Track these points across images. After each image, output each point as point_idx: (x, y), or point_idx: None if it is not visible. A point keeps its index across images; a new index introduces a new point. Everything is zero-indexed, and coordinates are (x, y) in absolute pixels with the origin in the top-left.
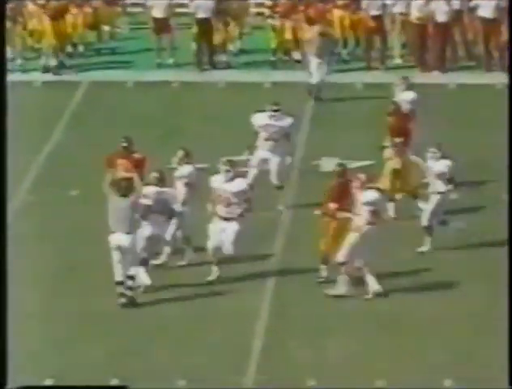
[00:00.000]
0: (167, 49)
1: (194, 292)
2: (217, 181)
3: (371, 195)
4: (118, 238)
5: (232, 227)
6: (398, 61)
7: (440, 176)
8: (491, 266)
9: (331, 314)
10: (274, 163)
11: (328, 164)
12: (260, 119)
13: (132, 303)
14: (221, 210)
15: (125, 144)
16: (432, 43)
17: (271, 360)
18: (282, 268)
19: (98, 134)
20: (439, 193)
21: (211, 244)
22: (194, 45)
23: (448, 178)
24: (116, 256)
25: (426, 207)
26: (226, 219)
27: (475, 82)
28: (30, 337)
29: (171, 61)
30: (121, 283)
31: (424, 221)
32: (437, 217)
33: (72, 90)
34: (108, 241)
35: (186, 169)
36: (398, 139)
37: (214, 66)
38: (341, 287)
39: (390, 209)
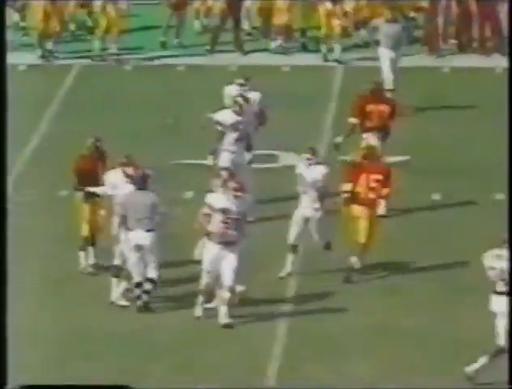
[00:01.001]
0: (177, 27)
1: (206, 311)
2: (217, 200)
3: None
4: (138, 236)
5: (233, 255)
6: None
7: (313, 185)
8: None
9: (351, 333)
10: (245, 168)
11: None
12: (228, 117)
13: (146, 308)
14: (222, 233)
15: (97, 144)
16: (475, 23)
17: (288, 382)
18: (299, 287)
19: (91, 124)
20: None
21: (209, 276)
22: (197, 24)
23: (320, 187)
24: (135, 256)
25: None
26: (226, 243)
27: None
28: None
29: (175, 41)
30: (139, 285)
31: (292, 238)
32: (322, 238)
33: (62, 74)
34: (126, 240)
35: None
36: (353, 120)
37: (241, 48)
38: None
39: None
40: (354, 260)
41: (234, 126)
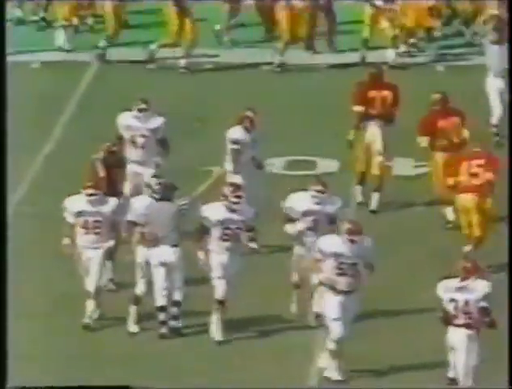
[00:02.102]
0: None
1: (237, 330)
2: (329, 243)
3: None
4: (162, 253)
5: (350, 306)
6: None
7: (329, 220)
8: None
9: (391, 353)
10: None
11: (403, 167)
12: (240, 134)
13: (176, 333)
14: (342, 282)
15: (113, 149)
16: None
17: None
18: None
19: (109, 128)
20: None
21: (338, 332)
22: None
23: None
24: (160, 275)
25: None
26: (343, 292)
27: None
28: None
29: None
30: (164, 308)
31: (295, 278)
32: None
33: (79, 72)
34: (148, 256)
35: None
36: (358, 108)
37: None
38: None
39: (357, 193)
40: (468, 249)
41: (249, 144)
